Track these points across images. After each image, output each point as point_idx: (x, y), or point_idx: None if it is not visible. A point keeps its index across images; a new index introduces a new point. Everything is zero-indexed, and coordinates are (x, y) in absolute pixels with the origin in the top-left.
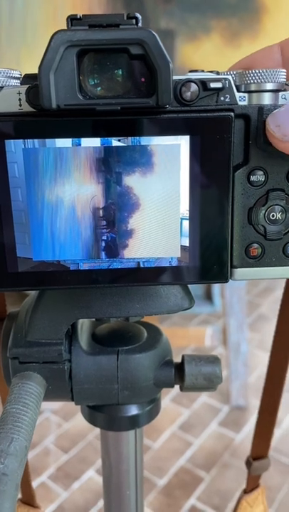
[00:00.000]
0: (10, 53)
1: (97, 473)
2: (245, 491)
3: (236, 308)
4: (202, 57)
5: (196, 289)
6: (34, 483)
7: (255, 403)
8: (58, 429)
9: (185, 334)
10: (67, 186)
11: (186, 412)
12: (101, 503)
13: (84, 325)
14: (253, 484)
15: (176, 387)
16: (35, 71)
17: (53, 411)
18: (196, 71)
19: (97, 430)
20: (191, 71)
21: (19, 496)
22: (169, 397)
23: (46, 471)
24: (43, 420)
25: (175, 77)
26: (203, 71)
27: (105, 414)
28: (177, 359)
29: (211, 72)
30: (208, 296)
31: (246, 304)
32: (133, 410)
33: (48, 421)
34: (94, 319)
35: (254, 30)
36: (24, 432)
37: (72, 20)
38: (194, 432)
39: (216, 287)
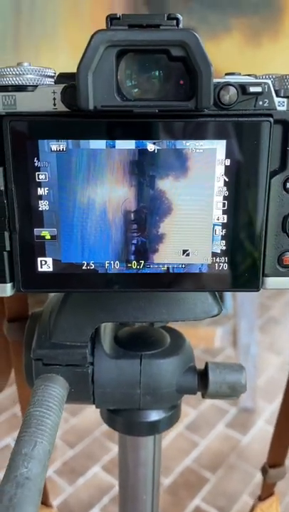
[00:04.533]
0: (30, 45)
1: (103, 470)
2: (260, 499)
3: (247, 309)
4: (222, 55)
5: None
6: None
7: (263, 406)
8: (64, 424)
9: (195, 334)
10: (100, 188)
11: (193, 412)
12: (105, 500)
13: (107, 328)
14: (267, 492)
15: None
16: (54, 62)
17: None
18: (232, 74)
19: (104, 427)
20: (227, 74)
21: None
22: None
23: (52, 465)
24: None
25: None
26: (240, 74)
27: (125, 419)
28: None
29: (248, 75)
30: (220, 297)
31: (257, 306)
32: (153, 416)
33: None
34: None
35: (275, 30)
36: (48, 435)
37: (112, 19)
38: (201, 432)
39: None
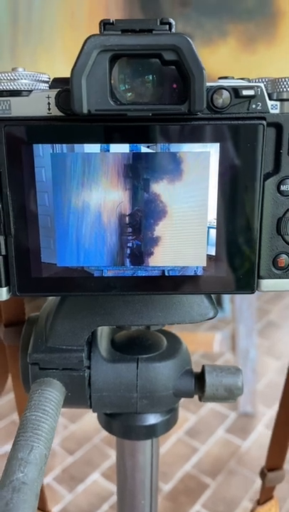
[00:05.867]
0: (26, 52)
1: (102, 477)
2: (259, 503)
3: (246, 314)
4: (218, 61)
5: None
6: None
7: (262, 410)
8: (64, 430)
9: (193, 339)
10: (94, 192)
11: (193, 417)
12: (105, 507)
13: (103, 331)
14: (266, 496)
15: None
16: (51, 70)
17: None
18: (226, 78)
19: (103, 433)
20: (221, 78)
21: None
22: None
23: (51, 472)
24: None
25: (206, 84)
26: (233, 78)
27: (122, 423)
28: None
29: (241, 79)
30: (218, 302)
31: (256, 310)
32: (151, 419)
33: None
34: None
35: (270, 36)
36: (44, 439)
37: (105, 24)
38: (201, 438)
39: None
